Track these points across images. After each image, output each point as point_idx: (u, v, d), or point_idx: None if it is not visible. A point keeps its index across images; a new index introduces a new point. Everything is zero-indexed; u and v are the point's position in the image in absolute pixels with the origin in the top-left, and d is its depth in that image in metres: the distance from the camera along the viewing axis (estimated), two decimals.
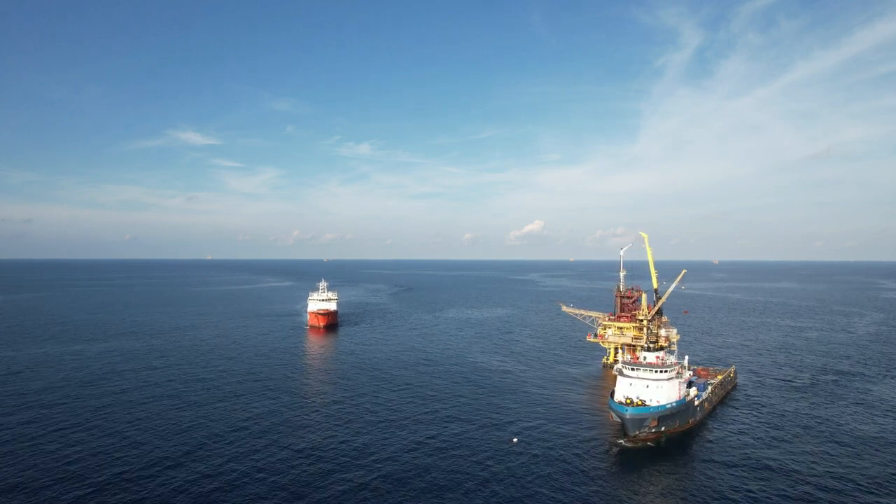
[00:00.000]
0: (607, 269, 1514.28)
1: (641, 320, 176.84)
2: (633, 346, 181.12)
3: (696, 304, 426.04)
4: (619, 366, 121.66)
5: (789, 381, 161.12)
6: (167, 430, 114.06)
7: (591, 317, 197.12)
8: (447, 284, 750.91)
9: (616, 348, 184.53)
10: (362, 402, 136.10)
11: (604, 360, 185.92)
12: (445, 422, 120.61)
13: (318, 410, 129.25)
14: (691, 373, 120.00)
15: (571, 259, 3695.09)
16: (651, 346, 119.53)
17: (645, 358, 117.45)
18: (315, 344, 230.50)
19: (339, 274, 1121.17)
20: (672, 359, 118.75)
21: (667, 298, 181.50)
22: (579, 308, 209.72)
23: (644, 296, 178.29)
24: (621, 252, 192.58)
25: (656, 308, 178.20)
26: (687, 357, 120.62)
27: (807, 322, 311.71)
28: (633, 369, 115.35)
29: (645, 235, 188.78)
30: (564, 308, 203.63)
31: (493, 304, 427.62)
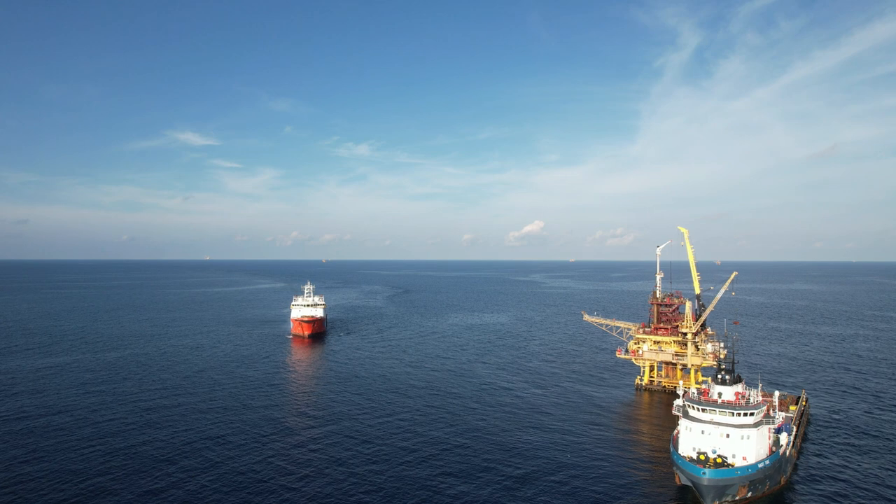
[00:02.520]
0: (609, 270, 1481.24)
1: (685, 333, 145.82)
2: (674, 364, 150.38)
3: (716, 309, 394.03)
4: (680, 402, 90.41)
5: (872, 412, 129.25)
6: (57, 472, 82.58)
7: (619, 328, 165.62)
8: (446, 286, 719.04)
9: (651, 366, 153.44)
10: (333, 443, 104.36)
11: (637, 380, 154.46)
12: (441, 475, 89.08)
13: (265, 449, 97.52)
14: (783, 415, 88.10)
15: (572, 259, 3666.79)
16: (727, 376, 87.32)
17: (720, 395, 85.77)
18: (295, 358, 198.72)
19: (336, 275, 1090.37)
20: (757, 395, 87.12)
21: (710, 307, 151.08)
22: (604, 317, 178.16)
23: (688, 304, 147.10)
24: (658, 251, 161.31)
25: (703, 318, 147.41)
26: (777, 393, 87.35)
27: (847, 329, 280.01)
28: (703, 410, 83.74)
29: (685, 231, 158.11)
30: (587, 317, 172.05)
31: (496, 309, 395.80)
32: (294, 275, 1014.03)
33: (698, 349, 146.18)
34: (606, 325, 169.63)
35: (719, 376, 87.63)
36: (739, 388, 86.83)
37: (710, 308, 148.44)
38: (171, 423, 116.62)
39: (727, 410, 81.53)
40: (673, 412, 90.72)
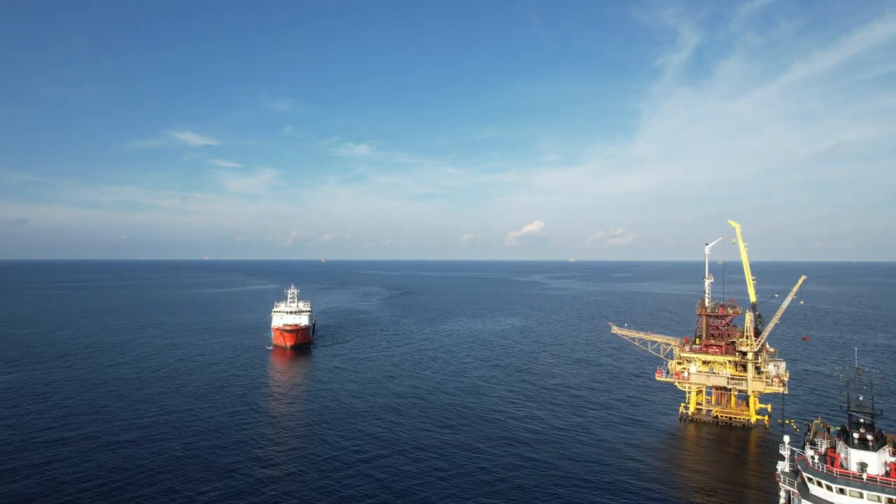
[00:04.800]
0: (611, 270, 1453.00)
1: (744, 352, 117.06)
2: (728, 389, 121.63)
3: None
4: (786, 467, 61.83)
5: None
6: None
7: (655, 343, 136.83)
8: (446, 287, 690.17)
9: (699, 391, 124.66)
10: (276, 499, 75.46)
11: (681, 408, 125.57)
12: None
13: None
14: None
15: (572, 259, 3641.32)
16: (868, 435, 58.20)
17: (864, 466, 56.70)
18: (266, 375, 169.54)
19: (335, 275, 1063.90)
20: None
21: (772, 319, 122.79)
22: (632, 328, 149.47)
23: (749, 315, 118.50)
24: (707, 249, 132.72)
25: (766, 332, 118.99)
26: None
27: (890, 338, 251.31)
28: (841, 490, 54.87)
29: (737, 226, 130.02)
30: (615, 329, 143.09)
31: (498, 314, 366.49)
32: (291, 275, 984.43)
33: (759, 371, 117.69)
34: (639, 340, 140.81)
35: (856, 435, 58.51)
36: (888, 453, 57.97)
37: (774, 320, 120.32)
38: (63, 467, 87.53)
39: (883, 495, 52.64)
40: (780, 483, 61.94)
